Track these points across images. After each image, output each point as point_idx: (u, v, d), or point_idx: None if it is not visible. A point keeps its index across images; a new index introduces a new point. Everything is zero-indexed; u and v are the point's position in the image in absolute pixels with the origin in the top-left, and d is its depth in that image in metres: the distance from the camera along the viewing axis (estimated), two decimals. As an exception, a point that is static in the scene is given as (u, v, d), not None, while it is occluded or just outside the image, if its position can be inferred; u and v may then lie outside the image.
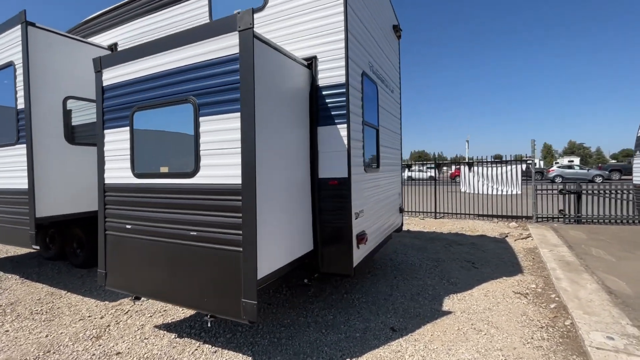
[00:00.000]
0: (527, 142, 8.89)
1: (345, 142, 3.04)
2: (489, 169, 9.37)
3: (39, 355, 2.88)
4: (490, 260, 5.45)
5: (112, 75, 2.93)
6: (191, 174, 2.49)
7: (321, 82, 3.15)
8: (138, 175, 2.80)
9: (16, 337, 3.22)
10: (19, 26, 3.64)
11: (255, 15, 3.43)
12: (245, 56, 2.21)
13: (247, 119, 2.22)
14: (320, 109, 3.16)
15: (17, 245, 4.18)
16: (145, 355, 2.82)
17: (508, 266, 5.11)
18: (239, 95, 2.24)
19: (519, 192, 8.96)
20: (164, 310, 3.63)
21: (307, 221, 3.18)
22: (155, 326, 3.32)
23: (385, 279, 4.51)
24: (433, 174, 10.65)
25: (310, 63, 3.18)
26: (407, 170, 12.08)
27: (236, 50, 2.26)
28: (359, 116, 3.33)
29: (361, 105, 3.42)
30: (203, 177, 2.44)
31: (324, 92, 3.15)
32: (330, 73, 3.09)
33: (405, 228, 8.33)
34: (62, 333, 3.26)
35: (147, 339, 3.08)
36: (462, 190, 9.76)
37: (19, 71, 3.71)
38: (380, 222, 4.08)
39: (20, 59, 3.65)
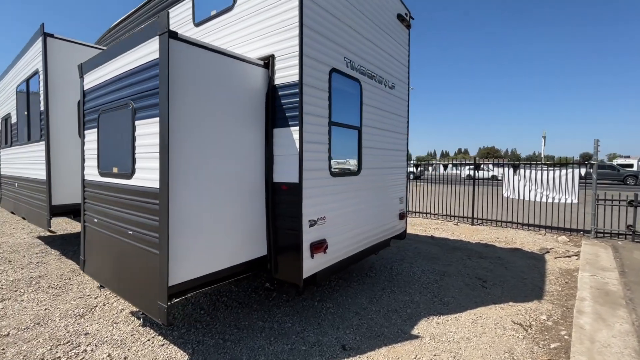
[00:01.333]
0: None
1: (297, 145, 2.87)
2: (540, 172, 8.13)
3: (28, 326, 3.32)
4: (508, 279, 4.75)
5: (88, 81, 3.19)
6: (129, 176, 2.59)
7: (277, 82, 3.01)
8: (101, 174, 3.02)
9: (24, 307, 3.75)
10: (40, 37, 4.16)
11: (225, 15, 3.41)
12: (162, 60, 2.20)
13: (163, 124, 2.22)
14: (276, 109, 3.03)
15: (40, 227, 4.87)
16: (106, 338, 3.06)
17: (526, 289, 4.39)
18: (158, 100, 2.25)
19: (575, 200, 7.62)
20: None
21: (260, 226, 3.10)
22: (131, 312, 3.58)
23: (370, 290, 4.22)
24: (471, 174, 9.61)
25: (267, 62, 3.06)
26: (464, 168, 11.07)
27: (157, 55, 2.26)
28: (321, 117, 3.11)
29: (327, 105, 3.19)
30: (137, 179, 2.53)
31: (279, 92, 3.01)
32: (285, 72, 2.94)
33: (433, 234, 7.72)
34: (58, 308, 3.71)
35: (117, 324, 3.34)
36: (505, 195, 8.64)
37: (42, 77, 4.26)
38: (360, 230, 3.81)
39: (42, 66, 4.19)
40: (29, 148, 4.86)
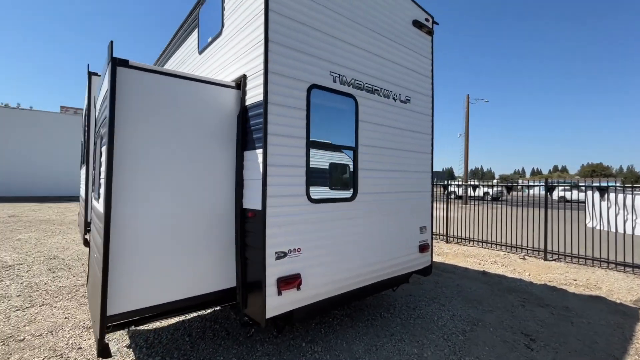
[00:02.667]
0: None
1: (261, 168, 2.63)
2: (636, 196, 6.34)
3: (42, 333, 3.63)
4: (570, 341, 3.61)
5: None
6: (97, 199, 2.67)
7: (247, 102, 2.85)
8: (94, 198, 3.22)
9: (52, 314, 4.17)
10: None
11: (216, 41, 3.45)
12: (110, 88, 2.24)
13: (109, 150, 2.23)
14: (246, 131, 2.86)
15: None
16: (91, 355, 3.16)
17: (589, 357, 3.26)
18: (107, 129, 2.27)
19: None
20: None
21: (230, 255, 2.90)
22: (127, 331, 3.67)
23: (375, 335, 3.62)
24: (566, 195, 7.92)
25: (239, 83, 2.94)
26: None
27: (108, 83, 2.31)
28: (294, 137, 2.83)
29: (304, 124, 2.90)
30: (99, 203, 2.58)
31: (249, 113, 2.84)
32: (253, 92, 2.76)
33: (488, 269, 6.56)
34: (75, 318, 4.03)
35: (109, 341, 3.45)
36: (589, 224, 6.92)
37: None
38: (354, 265, 3.32)
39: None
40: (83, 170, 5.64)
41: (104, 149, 2.47)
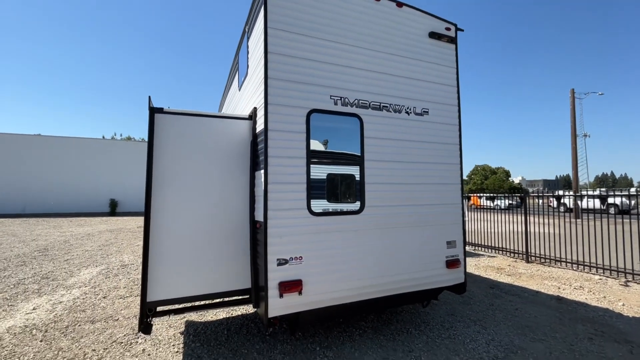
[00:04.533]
0: None
1: (264, 185, 3.08)
2: None
3: (130, 317, 4.72)
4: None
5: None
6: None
7: (257, 130, 3.37)
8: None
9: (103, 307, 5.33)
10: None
11: (246, 80, 4.12)
12: (149, 129, 3.03)
13: (148, 176, 3.00)
14: (256, 155, 3.37)
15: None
16: (155, 333, 4.01)
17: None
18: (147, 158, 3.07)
19: None
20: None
21: (245, 260, 3.40)
22: (185, 327, 4.50)
23: (391, 350, 3.61)
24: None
25: (251, 115, 3.48)
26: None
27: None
28: (295, 158, 3.19)
29: (304, 145, 3.25)
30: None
31: (258, 139, 3.35)
32: (260, 121, 3.26)
33: (567, 294, 5.65)
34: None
35: (173, 333, 4.30)
36: None
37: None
38: (362, 275, 3.44)
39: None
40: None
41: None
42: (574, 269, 7.44)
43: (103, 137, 38.81)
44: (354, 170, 3.55)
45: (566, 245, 8.49)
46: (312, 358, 3.43)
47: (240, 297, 3.62)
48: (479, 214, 10.82)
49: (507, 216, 9.20)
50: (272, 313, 3.02)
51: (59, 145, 27.24)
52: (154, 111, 3.08)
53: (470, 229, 10.67)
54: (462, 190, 4.18)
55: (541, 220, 8.59)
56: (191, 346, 3.73)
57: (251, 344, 3.76)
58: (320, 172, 3.39)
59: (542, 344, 3.75)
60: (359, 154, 3.55)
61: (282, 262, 3.08)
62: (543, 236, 9.54)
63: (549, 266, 7.85)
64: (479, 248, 10.15)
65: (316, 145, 3.40)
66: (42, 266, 7.77)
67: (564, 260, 7.71)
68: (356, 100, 3.57)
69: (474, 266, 7.93)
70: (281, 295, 3.05)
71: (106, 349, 3.71)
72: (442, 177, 4.03)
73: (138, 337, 4.00)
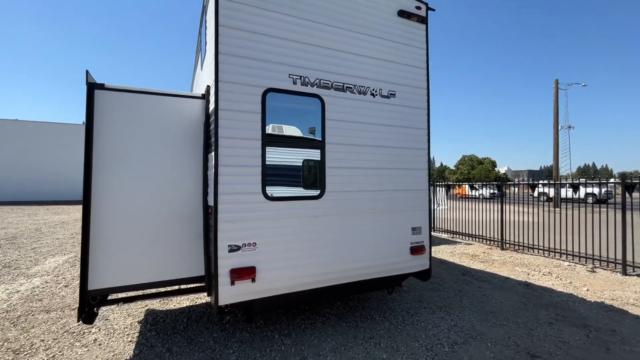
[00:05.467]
0: None
1: (214, 169, 2.92)
2: None
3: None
4: (586, 369, 2.98)
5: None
6: (98, 197, 3.32)
7: (209, 110, 3.18)
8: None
9: (104, 292, 5.16)
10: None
11: (205, 57, 3.88)
12: (88, 107, 2.80)
13: (86, 158, 2.80)
14: (208, 136, 3.19)
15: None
16: (113, 324, 3.86)
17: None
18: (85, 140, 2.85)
19: None
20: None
21: (200, 246, 3.26)
22: (145, 316, 4.35)
23: (352, 336, 3.56)
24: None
25: (204, 94, 3.28)
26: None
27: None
28: (248, 139, 3.03)
29: (259, 126, 3.08)
30: (96, 200, 3.21)
31: (209, 120, 3.16)
32: (212, 100, 3.07)
33: (536, 280, 5.71)
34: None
35: (130, 323, 4.15)
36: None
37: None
38: (322, 261, 3.35)
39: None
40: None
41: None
42: (546, 255, 7.57)
43: (83, 123, 37.42)
44: (314, 154, 3.41)
45: (540, 232, 8.62)
46: (269, 346, 3.35)
47: (196, 285, 3.48)
48: (460, 202, 10.89)
49: (488, 205, 9.24)
50: (222, 301, 2.90)
51: (36, 131, 26.16)
52: (93, 87, 2.85)
53: (449, 217, 10.75)
54: (429, 175, 4.09)
55: (522, 209, 8.66)
56: (146, 335, 3.60)
57: (209, 332, 3.65)
58: (277, 155, 3.23)
59: (502, 329, 3.76)
60: (320, 137, 3.40)
61: (234, 249, 2.95)
62: (520, 224, 9.68)
63: (522, 253, 7.97)
64: (457, 236, 10.25)
65: (276, 127, 3.23)
66: (6, 255, 7.46)
67: (537, 247, 7.83)
68: (317, 80, 3.39)
69: (449, 253, 7.99)
70: (233, 283, 2.92)
71: (56, 339, 3.55)
72: (408, 163, 3.93)
73: (92, 327, 3.84)
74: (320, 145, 3.40)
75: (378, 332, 3.67)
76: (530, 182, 8.42)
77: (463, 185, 12.54)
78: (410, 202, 3.94)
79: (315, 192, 3.39)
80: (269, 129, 3.30)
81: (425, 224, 4.04)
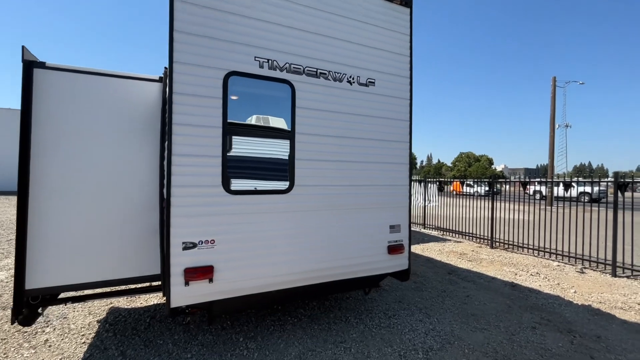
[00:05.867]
0: None
1: (167, 158, 2.66)
2: None
3: (50, 302, 4.30)
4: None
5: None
6: (46, 188, 3.04)
7: (167, 94, 2.90)
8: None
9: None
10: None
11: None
12: (24, 88, 2.52)
13: (22, 146, 2.52)
14: (164, 122, 2.92)
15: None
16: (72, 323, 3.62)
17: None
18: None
19: None
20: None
21: (155, 242, 3.00)
22: (107, 315, 4.11)
23: (322, 340, 3.35)
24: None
25: (162, 76, 3.00)
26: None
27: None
28: (207, 127, 2.76)
29: (220, 113, 2.81)
30: (42, 191, 2.94)
31: (166, 106, 2.89)
32: (169, 83, 2.80)
33: (522, 281, 5.51)
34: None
35: (88, 322, 3.91)
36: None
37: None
38: (291, 262, 3.11)
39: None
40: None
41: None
42: (535, 255, 7.39)
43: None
44: (282, 145, 3.15)
45: (531, 231, 8.45)
46: (231, 349, 3.13)
47: (153, 284, 3.24)
48: (452, 199, 10.70)
49: (481, 202, 9.03)
50: (175, 302, 2.66)
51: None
52: (31, 65, 2.56)
53: (440, 214, 10.55)
54: (410, 170, 3.85)
55: (515, 207, 8.45)
56: (102, 336, 3.36)
57: (171, 334, 3.42)
58: (241, 145, 2.97)
59: (482, 334, 3.56)
60: (290, 127, 3.14)
61: (189, 246, 2.70)
62: (512, 223, 9.50)
63: (512, 252, 7.79)
64: (447, 233, 10.06)
65: (261, 118, 2.97)
66: (-23, 246, 7.18)
67: (527, 246, 7.65)
68: (288, 65, 3.12)
69: (437, 251, 7.80)
70: (187, 283, 2.68)
71: (5, 339, 3.30)
72: (387, 156, 3.68)
73: (47, 326, 3.60)
74: (289, 135, 3.14)
75: (351, 335, 3.46)
76: (522, 180, 8.21)
77: (457, 182, 12.35)
78: (389, 199, 3.70)
79: (284, 186, 3.14)
80: (252, 120, 3.05)
81: (405, 221, 3.81)
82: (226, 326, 3.59)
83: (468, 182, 11.44)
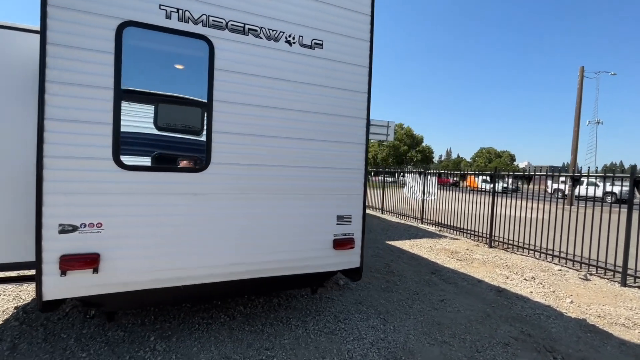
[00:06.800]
0: None
1: (38, 123, 2.20)
2: None
3: None
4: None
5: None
6: None
7: (40, 45, 2.43)
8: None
9: None
10: None
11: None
12: None
13: None
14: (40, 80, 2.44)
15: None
16: None
17: None
18: None
19: None
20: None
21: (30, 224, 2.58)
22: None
23: (246, 344, 2.88)
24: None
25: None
26: None
27: None
28: (97, 87, 2.28)
29: (111, 71, 2.32)
30: None
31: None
32: (41, 28, 2.32)
33: (511, 287, 4.86)
34: None
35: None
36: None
37: None
38: (204, 253, 2.63)
39: None
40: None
41: None
42: (536, 257, 6.63)
43: None
44: (196, 114, 2.64)
45: (537, 231, 7.61)
46: (135, 350, 2.71)
47: (27, 273, 2.86)
48: (453, 193, 9.90)
49: (487, 198, 8.18)
50: (48, 295, 2.25)
51: None
52: None
53: (440, 209, 9.81)
54: (366, 152, 3.26)
55: (534, 206, 7.56)
56: (8, 324, 3.03)
57: (82, 327, 3.05)
58: (141, 111, 2.49)
59: (440, 349, 2.99)
60: (207, 93, 2.62)
61: (67, 229, 2.26)
62: (521, 221, 8.66)
63: (511, 252, 7.05)
64: (444, 229, 9.35)
65: (141, 75, 2.48)
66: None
67: (528, 247, 6.88)
68: (205, 17, 2.58)
69: (427, 248, 7.15)
70: (64, 273, 2.25)
71: None
72: (336, 134, 3.11)
73: (-41, 310, 3.31)
74: (206, 103, 2.62)
75: (282, 341, 2.97)
76: (526, 174, 7.39)
77: (472, 177, 11.39)
78: (337, 184, 3.14)
79: (197, 164, 2.65)
80: (158, 83, 2.56)
81: (358, 212, 3.25)
82: (146, 322, 3.18)
83: (484, 178, 10.54)
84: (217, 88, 2.63)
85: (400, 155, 61.65)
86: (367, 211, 12.79)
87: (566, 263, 6.09)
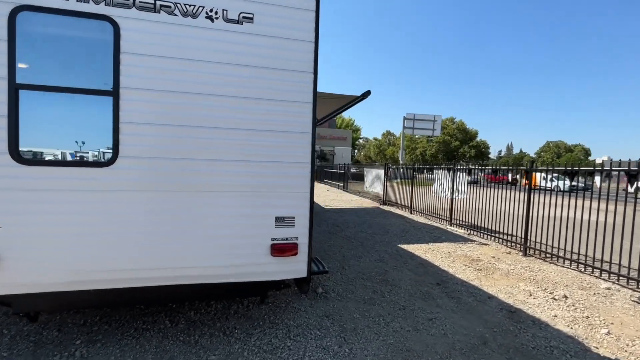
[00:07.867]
0: None
1: None
2: None
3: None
4: None
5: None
6: None
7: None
8: None
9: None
10: None
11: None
12: None
13: None
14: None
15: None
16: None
17: None
18: None
19: None
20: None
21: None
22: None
23: (172, 355, 2.59)
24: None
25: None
26: None
27: None
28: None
29: (6, 60, 2.17)
30: None
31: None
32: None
33: (540, 311, 4.01)
34: None
35: None
36: None
37: None
38: (113, 255, 2.41)
39: None
40: None
41: None
42: (581, 270, 5.42)
43: None
44: (103, 102, 2.41)
45: (588, 237, 6.23)
46: (57, 353, 2.58)
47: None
48: (489, 190, 8.64)
49: (564, 200, 6.92)
50: (-56, 295, 2.19)
51: None
52: None
53: (472, 209, 8.65)
54: (313, 142, 2.77)
55: (608, 207, 6.14)
56: None
57: (22, 325, 3.02)
58: (40, 101, 2.33)
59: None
60: (112, 79, 2.38)
61: (-39, 227, 2.18)
62: (578, 225, 7.25)
63: (550, 263, 5.88)
64: (475, 232, 8.23)
65: (39, 63, 2.32)
66: None
67: (570, 257, 5.64)
68: (113, -5, 2.34)
69: (445, 254, 6.29)
70: (-41, 272, 2.18)
71: None
72: (274, 123, 2.68)
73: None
74: (112, 91, 2.38)
75: (209, 357, 2.63)
76: (564, 169, 6.10)
77: (533, 175, 9.80)
78: (276, 180, 2.71)
79: (103, 158, 2.42)
80: (59, 70, 2.40)
81: (303, 212, 2.78)
82: (88, 321, 3.08)
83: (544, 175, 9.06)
84: (124, 74, 2.38)
85: (451, 152, 57.88)
86: (395, 211, 11.98)
87: (618, 279, 4.86)
